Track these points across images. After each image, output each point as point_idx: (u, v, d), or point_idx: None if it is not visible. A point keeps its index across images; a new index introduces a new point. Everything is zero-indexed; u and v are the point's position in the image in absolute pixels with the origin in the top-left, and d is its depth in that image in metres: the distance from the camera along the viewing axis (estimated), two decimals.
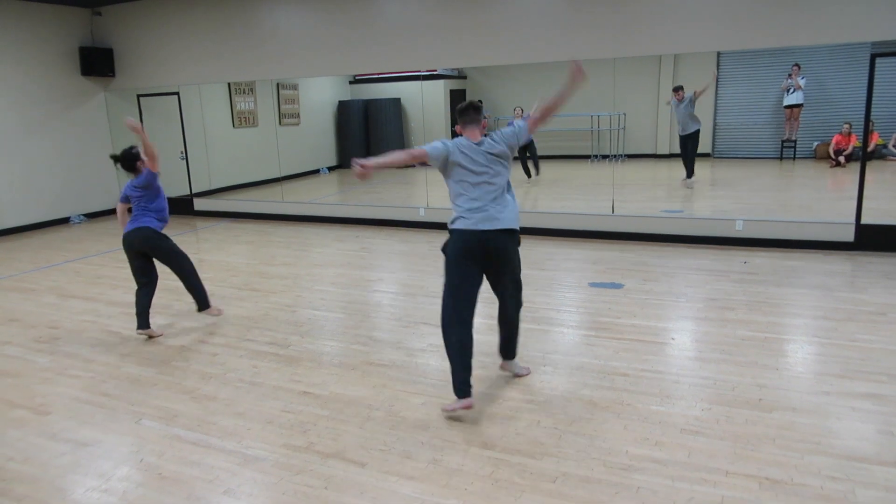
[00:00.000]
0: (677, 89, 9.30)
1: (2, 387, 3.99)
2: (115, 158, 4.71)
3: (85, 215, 10.03)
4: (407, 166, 3.47)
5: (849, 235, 6.32)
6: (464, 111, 3.52)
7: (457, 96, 13.18)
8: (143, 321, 4.68)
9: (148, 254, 4.77)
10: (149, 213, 4.70)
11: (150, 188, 4.69)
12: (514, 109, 10.50)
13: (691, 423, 3.20)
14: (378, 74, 12.68)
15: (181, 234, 8.55)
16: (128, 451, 3.18)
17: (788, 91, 10.87)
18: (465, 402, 3.29)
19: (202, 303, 4.95)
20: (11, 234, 9.02)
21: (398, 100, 13.32)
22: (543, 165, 10.97)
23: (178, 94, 9.81)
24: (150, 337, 4.72)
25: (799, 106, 10.89)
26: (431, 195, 8.78)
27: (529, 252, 6.82)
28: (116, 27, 9.80)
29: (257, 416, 3.46)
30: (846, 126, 10.58)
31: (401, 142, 13.35)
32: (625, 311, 4.85)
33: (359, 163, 3.32)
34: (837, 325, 4.40)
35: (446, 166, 3.46)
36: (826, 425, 3.12)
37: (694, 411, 3.31)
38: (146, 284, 4.77)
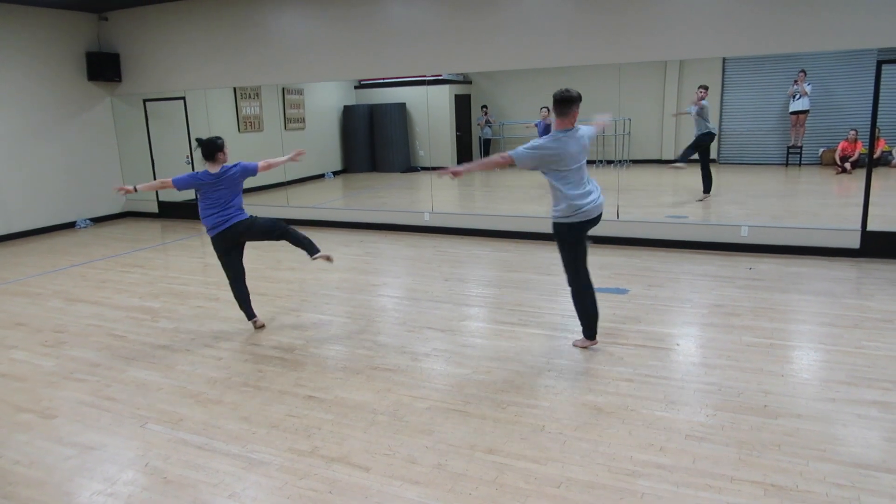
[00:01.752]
0: (705, 87, 9.03)
1: (8, 391, 4.01)
2: (199, 141, 4.76)
3: (91, 220, 10.07)
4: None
5: (854, 242, 6.30)
6: (557, 102, 3.91)
7: (462, 101, 13.20)
8: (248, 311, 4.93)
9: (244, 240, 4.93)
10: (235, 207, 4.89)
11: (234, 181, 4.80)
12: (541, 109, 10.44)
13: (696, 429, 3.19)
14: (383, 79, 12.72)
15: (187, 239, 8.57)
16: (133, 454, 3.19)
17: (794, 97, 10.85)
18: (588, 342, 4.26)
19: (312, 248, 4.84)
20: (18, 238, 9.06)
21: (403, 104, 13.35)
22: None
23: (184, 98, 9.85)
24: (259, 326, 4.93)
25: (805, 112, 10.86)
26: (437, 200, 8.79)
27: (533, 257, 6.82)
28: (123, 32, 9.86)
29: (262, 421, 3.47)
30: (852, 132, 10.55)
31: (406, 147, 13.37)
32: (629, 317, 4.85)
33: (451, 169, 3.95)
34: (843, 332, 4.39)
35: (540, 166, 3.97)
36: (832, 432, 3.11)
37: (699, 417, 3.30)
38: (236, 278, 4.91)
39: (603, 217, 6.96)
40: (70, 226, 9.79)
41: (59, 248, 8.32)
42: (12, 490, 2.91)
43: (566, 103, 3.87)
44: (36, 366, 4.39)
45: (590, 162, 13.02)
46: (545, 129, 10.08)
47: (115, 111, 10.34)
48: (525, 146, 3.91)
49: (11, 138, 8.95)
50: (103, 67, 9.80)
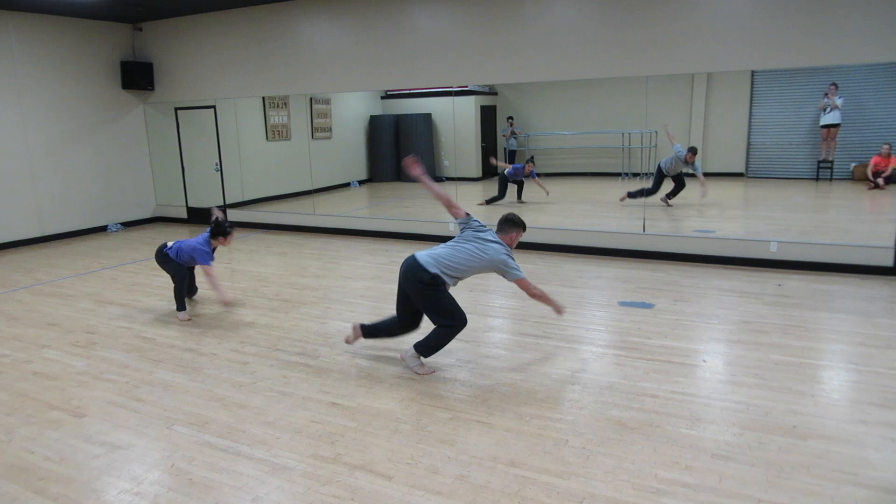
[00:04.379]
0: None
1: (41, 389, 4.09)
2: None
3: (122, 224, 10.27)
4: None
5: (888, 260, 6.17)
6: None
7: (487, 112, 13.24)
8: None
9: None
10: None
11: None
12: (527, 163, 10.52)
13: (722, 448, 3.15)
14: (410, 90, 12.79)
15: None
16: (160, 455, 3.23)
17: (825, 110, 10.69)
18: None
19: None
20: (52, 240, 9.28)
21: (429, 115, 13.42)
22: (573, 181, 10.97)
23: (214, 107, 10.02)
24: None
25: (836, 126, 10.69)
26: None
27: (559, 269, 6.80)
28: (157, 42, 10.08)
29: (286, 426, 3.50)
30: (885, 147, 10.35)
31: (431, 156, 13.42)
32: (655, 332, 4.80)
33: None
34: (876, 353, 4.30)
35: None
36: (863, 455, 3.04)
37: (725, 436, 3.26)
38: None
39: (629, 230, 6.99)
40: (101, 229, 9.99)
41: (91, 251, 8.49)
42: (43, 486, 2.97)
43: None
44: (67, 365, 4.48)
45: (615, 174, 13.09)
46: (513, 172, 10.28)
47: (147, 119, 10.56)
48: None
49: (49, 144, 9.18)
50: (137, 76, 10.02)
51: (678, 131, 12.05)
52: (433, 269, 4.00)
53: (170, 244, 5.49)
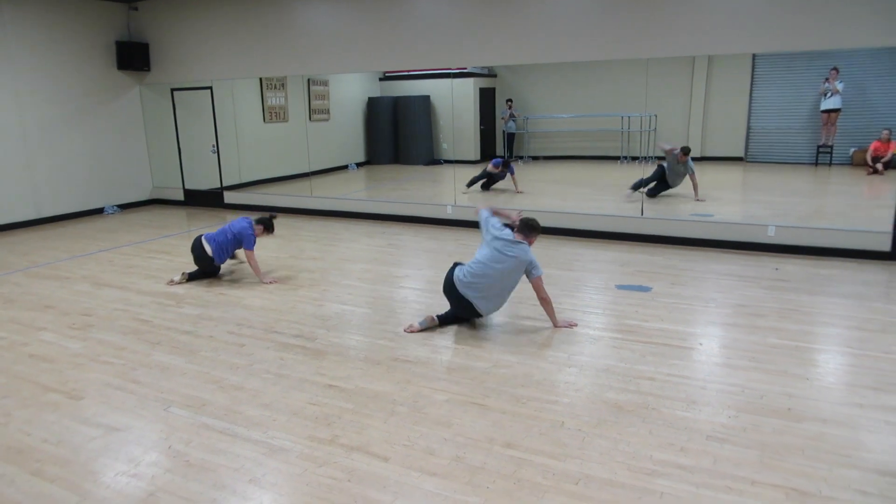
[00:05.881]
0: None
1: (37, 371, 4.09)
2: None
3: (118, 206, 10.23)
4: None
5: (885, 244, 6.18)
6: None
7: (486, 94, 13.17)
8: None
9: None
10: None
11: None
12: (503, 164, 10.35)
13: (718, 430, 3.16)
14: (408, 72, 12.71)
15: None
16: (157, 437, 3.24)
17: (826, 95, 10.65)
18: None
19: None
20: (48, 223, 9.24)
21: (428, 97, 13.34)
22: (571, 164, 10.93)
23: (210, 88, 9.94)
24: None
25: (836, 111, 10.65)
26: (459, 193, 8.78)
27: (556, 252, 6.79)
28: (152, 22, 9.98)
29: (283, 408, 3.50)
30: (885, 132, 10.32)
31: (429, 139, 13.37)
32: (652, 315, 4.81)
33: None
34: (871, 336, 4.31)
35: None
36: (857, 438, 3.06)
37: (720, 418, 3.27)
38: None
39: (627, 213, 6.99)
40: (98, 212, 9.95)
41: (88, 234, 8.47)
42: (40, 467, 2.98)
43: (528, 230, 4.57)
44: (64, 348, 4.48)
45: (614, 158, 13.05)
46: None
47: (143, 100, 10.48)
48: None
49: (43, 126, 9.11)
50: (133, 57, 9.92)
51: (679, 115, 12.02)
52: (482, 309, 4.54)
53: (208, 246, 5.86)
